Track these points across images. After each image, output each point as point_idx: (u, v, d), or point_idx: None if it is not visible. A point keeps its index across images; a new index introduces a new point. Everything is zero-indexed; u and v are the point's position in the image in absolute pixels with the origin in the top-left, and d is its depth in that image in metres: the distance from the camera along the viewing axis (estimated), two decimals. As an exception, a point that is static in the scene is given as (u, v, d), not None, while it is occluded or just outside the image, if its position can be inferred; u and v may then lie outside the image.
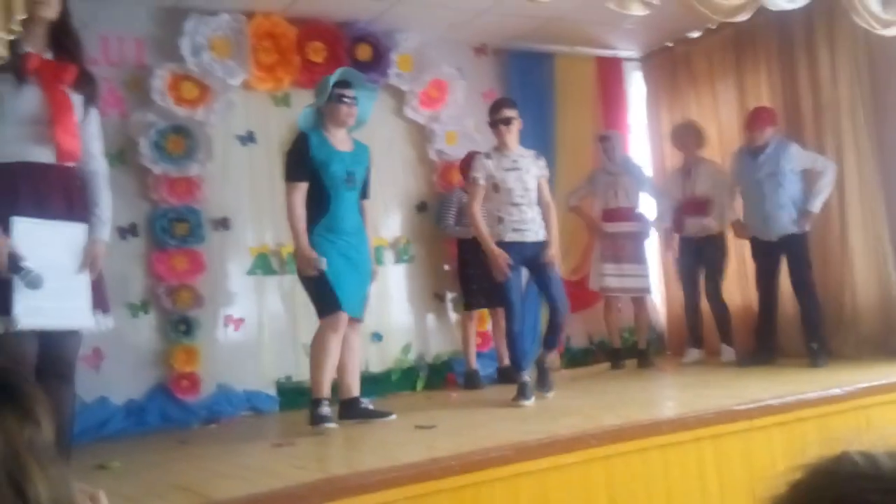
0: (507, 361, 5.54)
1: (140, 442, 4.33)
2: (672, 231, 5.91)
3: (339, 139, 4.19)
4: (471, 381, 5.40)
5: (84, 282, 2.93)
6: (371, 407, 4.28)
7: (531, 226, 4.53)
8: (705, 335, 5.92)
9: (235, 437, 4.17)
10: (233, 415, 4.86)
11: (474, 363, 5.49)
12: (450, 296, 5.82)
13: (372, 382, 5.41)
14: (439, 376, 5.65)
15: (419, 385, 5.59)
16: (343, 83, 4.17)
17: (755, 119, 5.36)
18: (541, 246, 4.53)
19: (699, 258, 5.76)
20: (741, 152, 5.49)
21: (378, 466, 3.01)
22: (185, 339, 4.89)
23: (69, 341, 2.93)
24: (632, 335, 6.33)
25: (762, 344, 5.40)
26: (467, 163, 5.62)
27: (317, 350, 4.07)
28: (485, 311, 5.63)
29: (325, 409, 4.01)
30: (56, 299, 2.80)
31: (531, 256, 4.54)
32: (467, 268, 5.49)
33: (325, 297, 4.05)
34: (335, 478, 2.92)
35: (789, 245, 5.21)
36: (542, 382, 4.61)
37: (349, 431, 4.14)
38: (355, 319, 4.23)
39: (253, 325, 5.15)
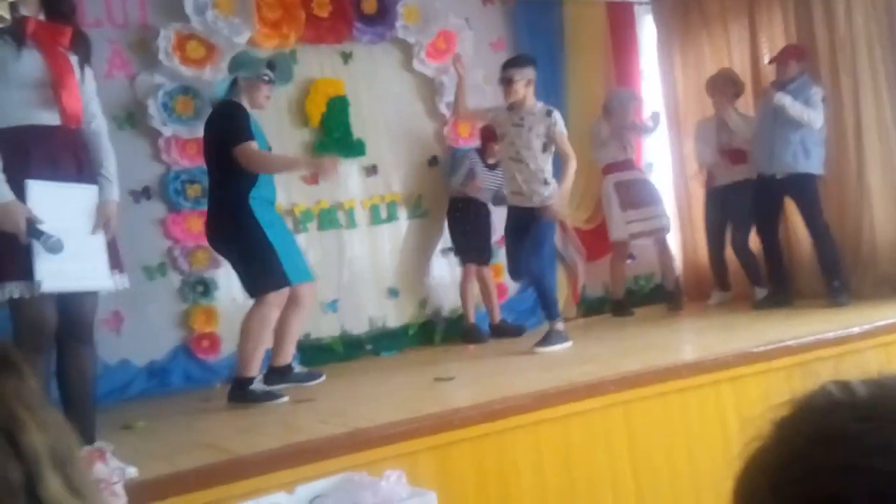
0: (497, 319, 5.56)
1: (164, 402, 4.39)
2: (705, 181, 5.91)
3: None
4: (471, 335, 5.40)
5: (100, 242, 2.95)
6: (304, 371, 4.26)
7: (524, 187, 4.61)
8: (732, 279, 5.91)
9: (257, 395, 4.20)
10: (254, 373, 4.90)
11: (472, 317, 5.50)
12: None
13: (390, 337, 5.45)
14: (456, 329, 5.67)
15: (437, 339, 5.62)
16: (270, 65, 4.08)
17: (780, 53, 5.35)
18: (529, 212, 4.60)
19: (726, 209, 5.72)
20: (769, 86, 5.41)
21: (399, 419, 3.04)
22: (204, 300, 4.92)
23: (86, 303, 2.96)
24: (647, 282, 6.34)
25: (778, 287, 5.38)
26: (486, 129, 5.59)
27: (257, 327, 3.89)
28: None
29: (262, 385, 3.90)
30: (75, 261, 2.82)
31: (521, 220, 4.65)
32: (458, 224, 5.54)
33: (271, 271, 3.86)
34: (357, 431, 2.95)
35: (795, 187, 5.14)
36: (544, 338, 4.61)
37: (367, 387, 4.18)
38: (313, 283, 4.21)
39: (269, 283, 5.16)
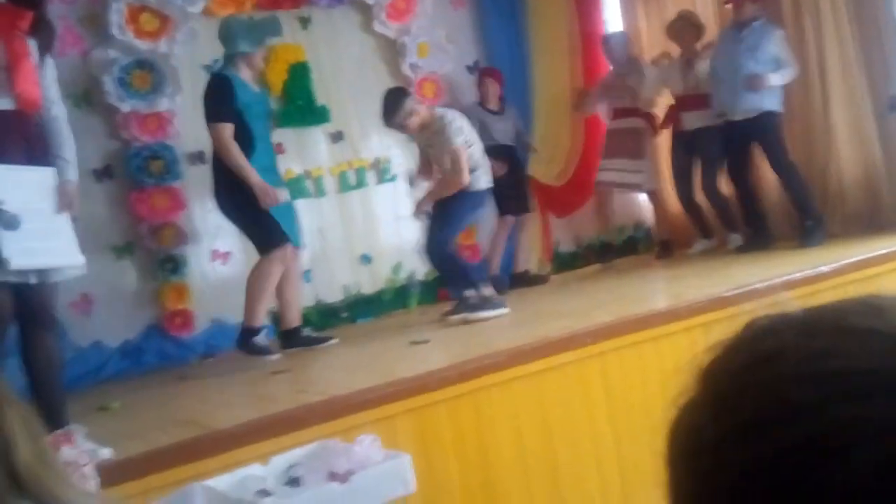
0: (494, 270, 5.58)
1: (139, 382, 4.36)
2: (666, 125, 5.88)
3: (249, 79, 4.26)
4: (495, 284, 5.41)
5: (65, 221, 2.94)
6: (313, 334, 4.51)
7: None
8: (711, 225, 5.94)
9: (234, 369, 4.18)
10: (229, 348, 4.86)
11: (497, 268, 5.54)
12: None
13: (365, 304, 5.43)
14: (432, 292, 5.66)
15: (412, 303, 5.61)
16: (274, 31, 4.29)
17: None
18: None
19: (693, 152, 5.71)
20: (726, 29, 5.39)
21: (376, 383, 3.04)
22: (174, 277, 4.86)
23: (44, 290, 2.93)
24: (621, 234, 6.39)
25: (756, 231, 5.41)
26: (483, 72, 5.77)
27: (261, 281, 4.12)
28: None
29: (263, 339, 4.16)
30: (42, 239, 2.82)
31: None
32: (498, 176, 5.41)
33: (271, 231, 4.11)
34: (335, 398, 2.95)
35: (758, 128, 5.13)
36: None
37: (343, 353, 4.18)
38: (299, 249, 4.41)
39: (240, 257, 5.09)
